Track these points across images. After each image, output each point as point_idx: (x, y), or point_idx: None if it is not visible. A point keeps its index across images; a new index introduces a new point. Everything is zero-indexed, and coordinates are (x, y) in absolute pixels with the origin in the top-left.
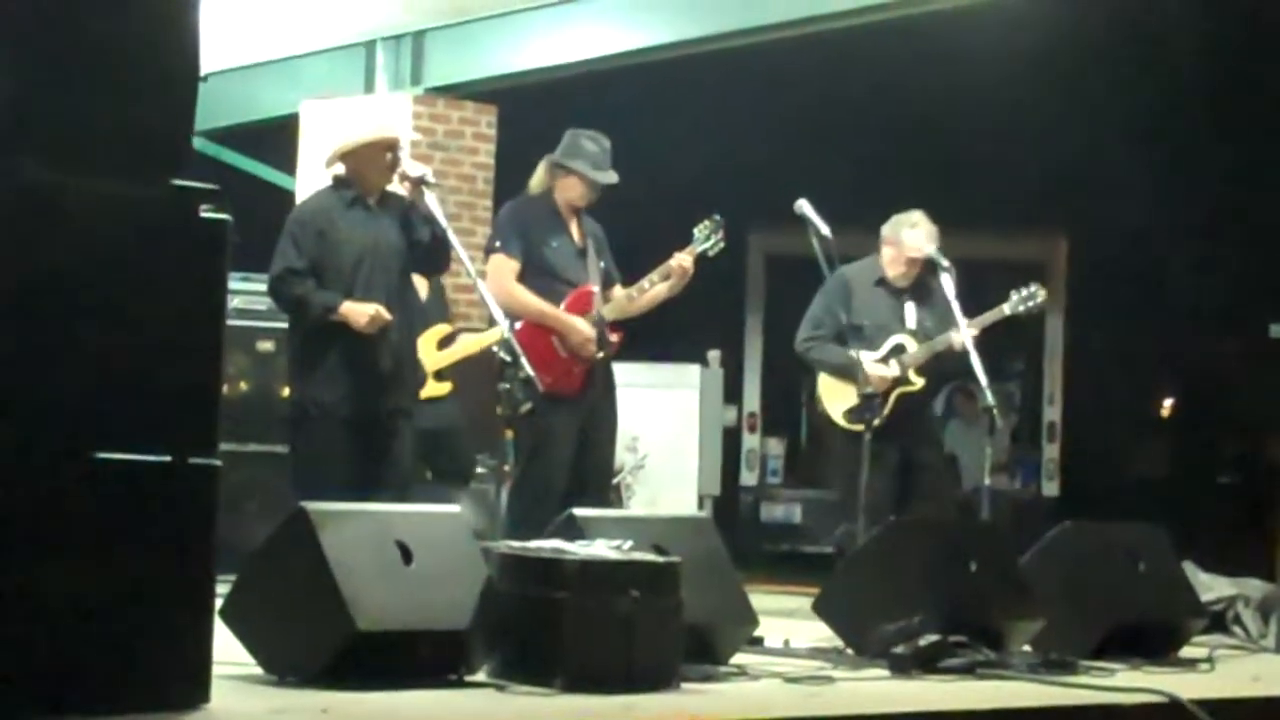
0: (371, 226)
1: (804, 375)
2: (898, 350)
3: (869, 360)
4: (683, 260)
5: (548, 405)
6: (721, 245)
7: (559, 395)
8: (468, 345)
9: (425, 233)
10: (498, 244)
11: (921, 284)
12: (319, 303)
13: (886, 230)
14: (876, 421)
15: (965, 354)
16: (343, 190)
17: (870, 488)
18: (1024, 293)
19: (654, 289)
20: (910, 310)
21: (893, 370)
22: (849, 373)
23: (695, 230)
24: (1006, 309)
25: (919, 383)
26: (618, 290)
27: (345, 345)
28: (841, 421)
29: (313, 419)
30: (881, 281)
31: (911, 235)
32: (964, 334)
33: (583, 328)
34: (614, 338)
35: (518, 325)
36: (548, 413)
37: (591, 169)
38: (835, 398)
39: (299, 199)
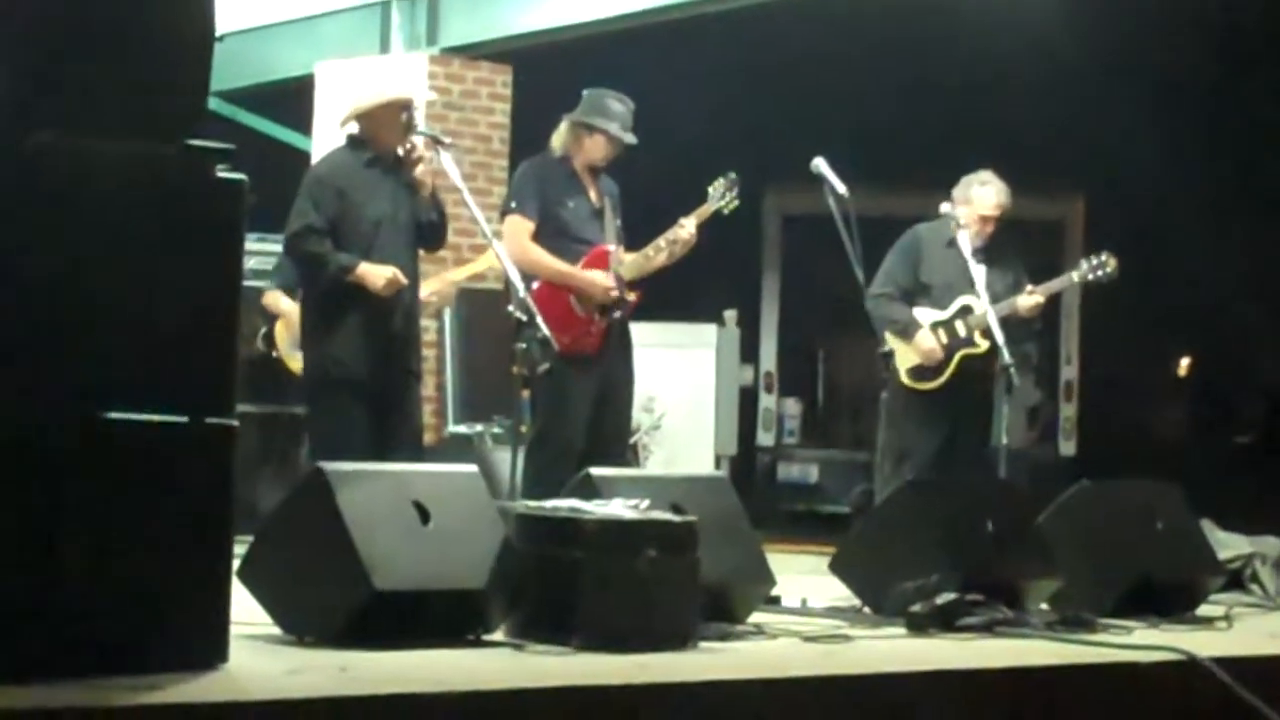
0: (389, 188)
1: (819, 335)
2: (964, 312)
3: (925, 328)
4: (682, 231)
5: (565, 365)
6: (736, 203)
7: (577, 355)
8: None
9: (432, 214)
10: (513, 205)
11: (994, 246)
12: (336, 262)
13: (957, 190)
14: (938, 382)
15: (1030, 319)
16: (359, 150)
17: (919, 446)
18: (1094, 261)
19: (659, 255)
20: (980, 272)
21: (939, 347)
22: (907, 333)
23: (709, 188)
24: (1075, 276)
25: (983, 345)
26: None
27: (361, 307)
28: (906, 379)
29: (332, 379)
30: (954, 242)
31: (982, 193)
32: (1024, 299)
33: (601, 280)
34: (631, 296)
35: (535, 285)
36: (565, 372)
37: (618, 128)
38: (904, 354)
39: (314, 159)
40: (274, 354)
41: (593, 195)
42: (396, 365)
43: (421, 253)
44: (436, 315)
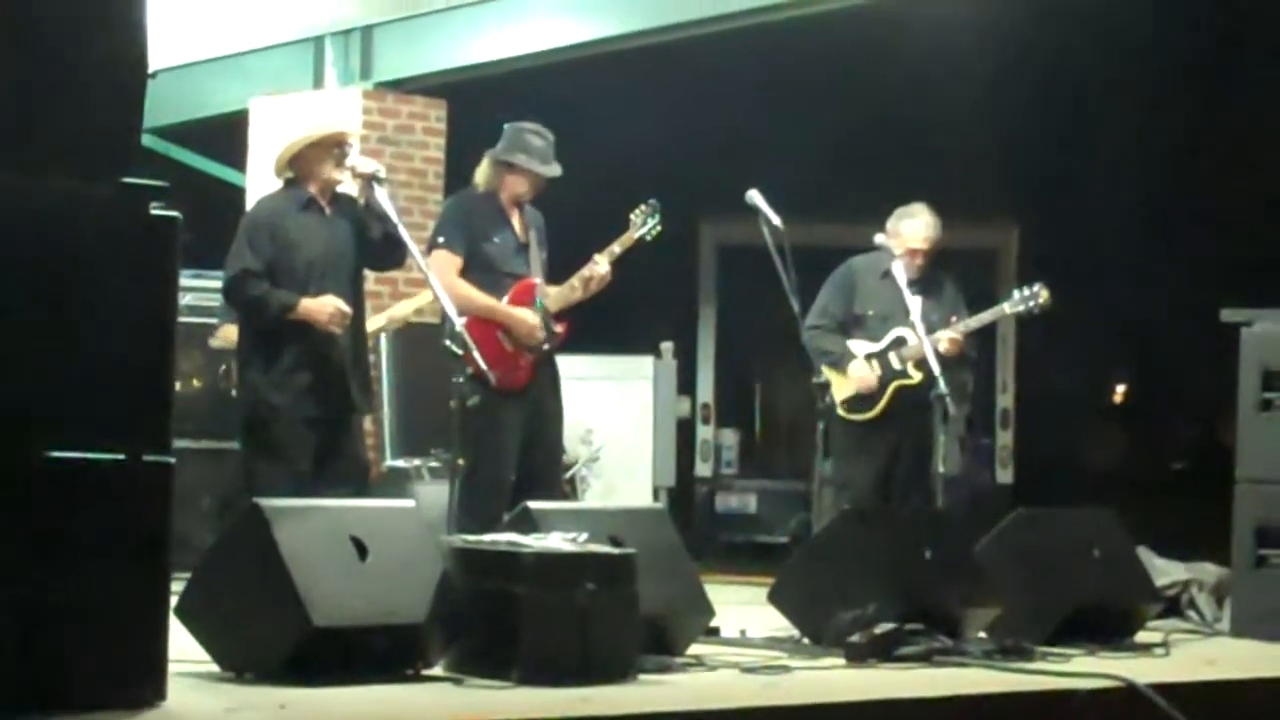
0: (325, 229)
1: (756, 366)
2: (898, 343)
3: (859, 359)
4: (597, 268)
5: (495, 399)
6: (659, 229)
7: (506, 389)
8: (381, 318)
9: (378, 229)
10: (440, 240)
11: (930, 277)
12: (276, 302)
13: (889, 223)
14: (872, 413)
15: (962, 353)
16: (295, 191)
17: (857, 476)
18: (1026, 292)
19: (574, 293)
20: (915, 303)
21: (872, 376)
22: (841, 364)
23: (632, 215)
24: (1007, 308)
25: (917, 377)
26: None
27: (299, 345)
28: (842, 410)
29: (264, 420)
30: (888, 273)
31: (910, 226)
32: (943, 335)
33: (529, 318)
34: (559, 328)
35: (463, 320)
36: (495, 406)
37: (539, 164)
38: (839, 385)
39: (249, 195)
40: (233, 393)
41: (518, 228)
42: (336, 403)
43: (373, 277)
44: (372, 349)
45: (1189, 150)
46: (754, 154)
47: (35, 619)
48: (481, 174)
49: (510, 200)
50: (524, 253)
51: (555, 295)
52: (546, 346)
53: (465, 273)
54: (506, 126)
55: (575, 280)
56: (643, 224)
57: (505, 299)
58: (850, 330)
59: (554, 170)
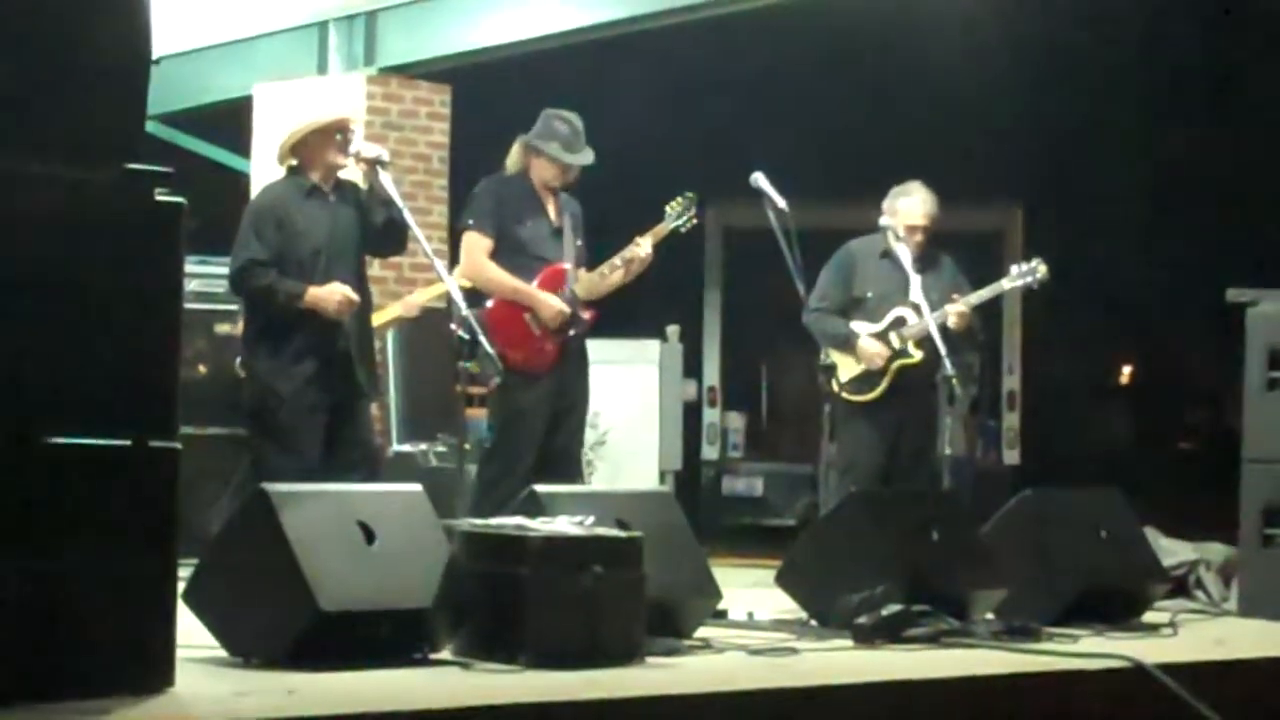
0: (329, 216)
1: (762, 349)
2: (898, 323)
3: (865, 335)
4: (639, 250)
5: (519, 381)
6: (694, 222)
7: (531, 372)
8: (398, 306)
9: (381, 215)
10: (470, 221)
11: (928, 256)
12: (284, 291)
13: (885, 202)
14: (874, 393)
15: (971, 330)
16: (299, 179)
17: (863, 458)
18: (1024, 267)
19: (614, 273)
20: (915, 283)
21: (884, 349)
22: (846, 345)
23: (667, 207)
24: (1006, 284)
25: (918, 356)
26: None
27: (305, 332)
28: (846, 392)
29: (272, 408)
30: (888, 254)
31: (907, 203)
32: (952, 308)
33: (555, 303)
34: (587, 315)
35: (489, 303)
36: (519, 389)
37: (564, 151)
38: (844, 367)
39: (253, 181)
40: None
41: (551, 214)
42: (342, 388)
43: (377, 263)
44: (380, 335)
45: (1194, 132)
46: (759, 136)
47: (42, 605)
48: (511, 158)
49: (541, 185)
50: (557, 237)
51: (585, 281)
52: (573, 332)
53: (495, 256)
54: (544, 112)
55: (605, 267)
56: (678, 216)
57: (534, 283)
58: (850, 313)
59: (580, 158)
